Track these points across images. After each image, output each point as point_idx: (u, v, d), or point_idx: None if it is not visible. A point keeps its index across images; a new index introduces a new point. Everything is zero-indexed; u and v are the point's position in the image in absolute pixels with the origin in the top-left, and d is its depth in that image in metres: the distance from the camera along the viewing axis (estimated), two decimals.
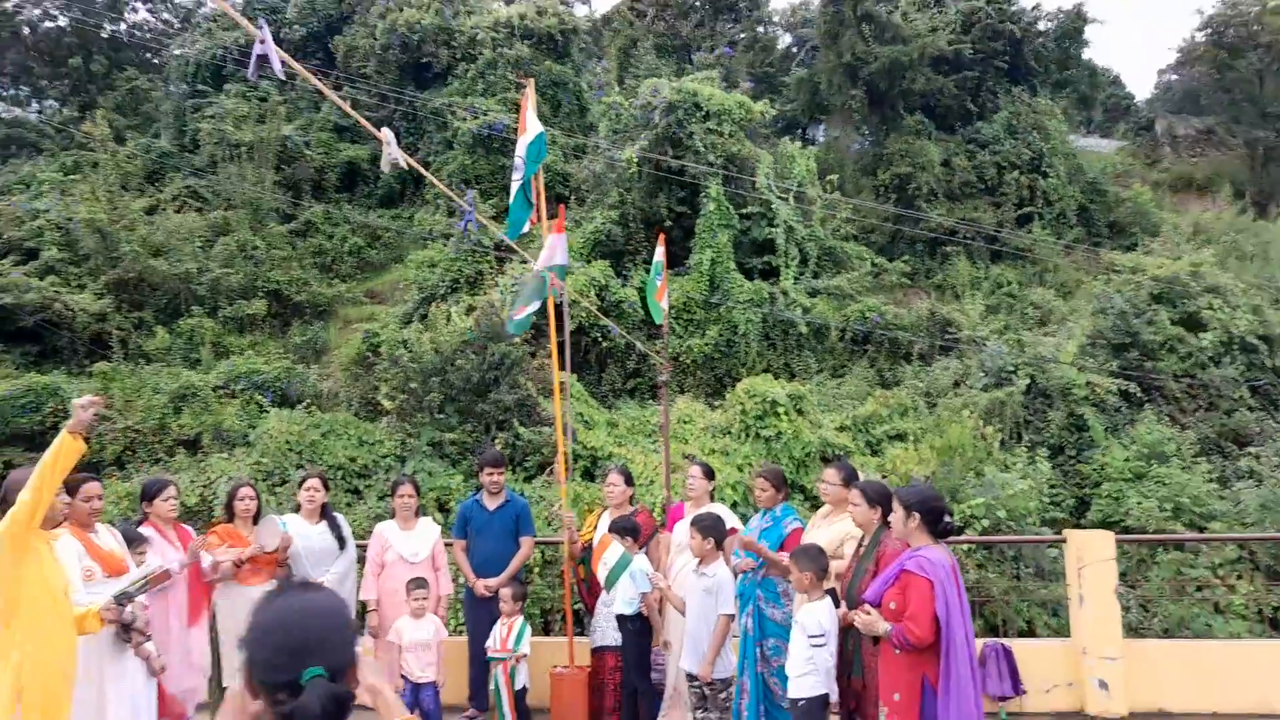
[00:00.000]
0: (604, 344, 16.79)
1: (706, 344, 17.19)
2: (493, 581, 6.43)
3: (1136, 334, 15.16)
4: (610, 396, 16.82)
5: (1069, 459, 14.30)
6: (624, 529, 5.86)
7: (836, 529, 5.20)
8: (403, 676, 5.93)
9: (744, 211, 18.46)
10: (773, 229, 18.16)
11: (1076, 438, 14.44)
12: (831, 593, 4.77)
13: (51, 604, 4.00)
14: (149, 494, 5.68)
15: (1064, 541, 6.98)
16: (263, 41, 3.28)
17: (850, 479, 5.28)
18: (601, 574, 5.73)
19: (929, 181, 21.23)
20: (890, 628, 4.07)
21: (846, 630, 4.66)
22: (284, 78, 3.54)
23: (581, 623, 7.52)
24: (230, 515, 6.00)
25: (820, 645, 4.55)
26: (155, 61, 30.36)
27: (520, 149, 6.44)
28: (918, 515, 4.20)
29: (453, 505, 13.27)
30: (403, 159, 4.14)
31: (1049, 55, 23.58)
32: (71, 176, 22.28)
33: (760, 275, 18.26)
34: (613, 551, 5.65)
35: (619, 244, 18.33)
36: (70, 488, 4.71)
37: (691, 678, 5.30)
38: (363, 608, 6.56)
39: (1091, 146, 26.31)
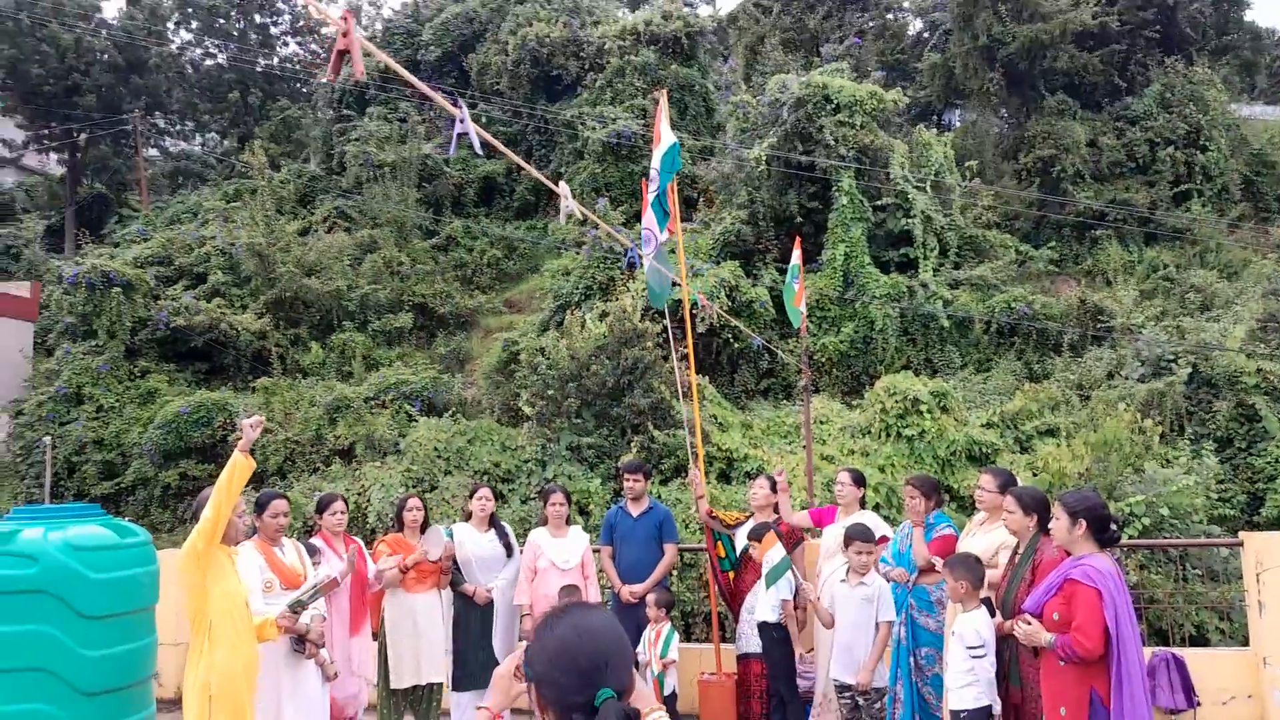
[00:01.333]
0: (735, 345, 16.73)
1: (842, 341, 16.88)
2: (638, 588, 6.52)
3: None
4: (743, 398, 16.74)
5: (1239, 452, 13.35)
6: (761, 534, 5.83)
7: (992, 537, 5.03)
8: None
9: (878, 204, 18.04)
10: (909, 220, 17.67)
11: (1247, 429, 13.46)
12: (987, 602, 4.62)
13: (234, 614, 4.29)
14: (320, 508, 6.03)
15: (1240, 544, 6.52)
16: (463, 120, 3.52)
17: (1007, 485, 5.09)
18: (764, 571, 5.73)
19: (1075, 163, 20.18)
20: (1053, 639, 3.93)
21: (1004, 640, 4.51)
22: (480, 153, 3.76)
23: (724, 627, 7.53)
24: (400, 525, 6.31)
25: (980, 656, 4.42)
26: (304, 91, 32.16)
27: (655, 160, 6.52)
28: (1084, 522, 4.05)
29: (592, 508, 13.51)
30: (578, 210, 4.29)
31: (1205, 21, 22.06)
32: (233, 204, 23.88)
33: (897, 269, 17.80)
34: (776, 552, 5.63)
35: (748, 244, 18.22)
36: (260, 505, 5.09)
37: (843, 688, 5.23)
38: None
39: (1257, 115, 24.43)
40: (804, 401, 8.65)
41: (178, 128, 33.12)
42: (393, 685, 5.97)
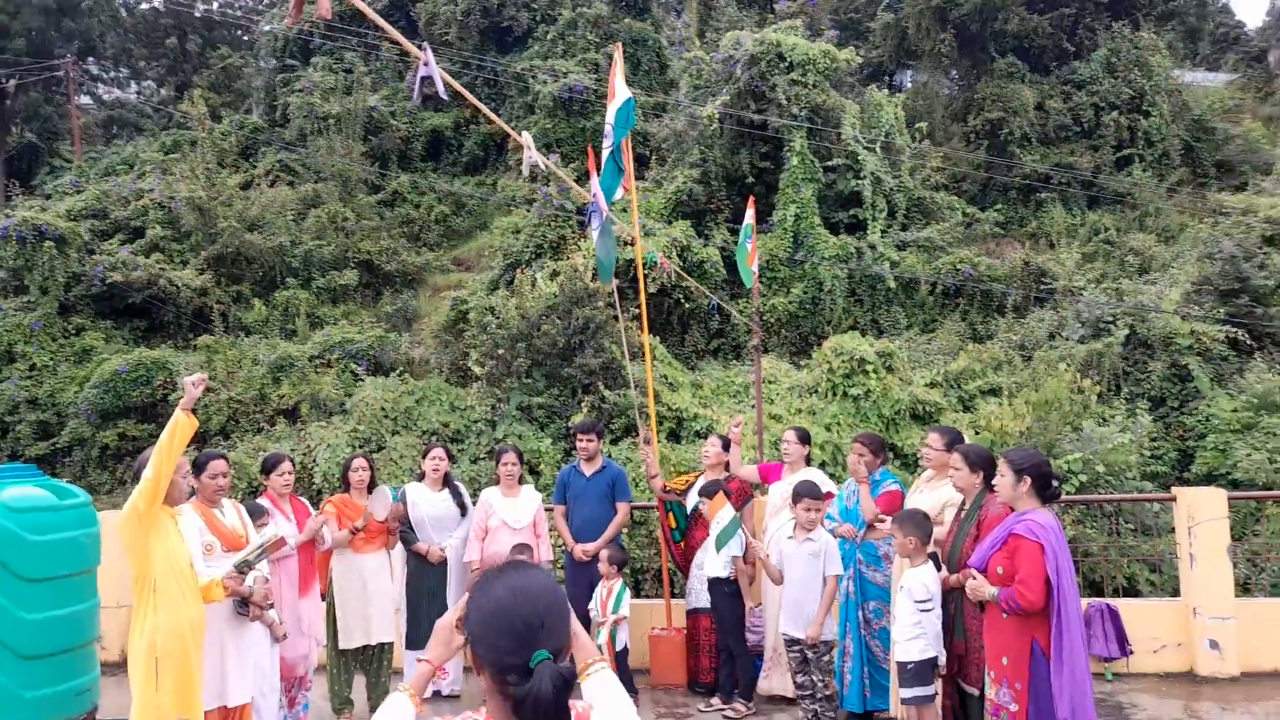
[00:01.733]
0: (686, 305, 16.75)
1: (791, 302, 17.00)
2: (590, 546, 6.56)
3: (1247, 279, 14.41)
4: (694, 358, 16.81)
5: (1171, 410, 13.77)
6: (712, 492, 5.89)
7: (938, 494, 5.15)
8: None
9: (829, 164, 18.08)
10: (859, 181, 17.76)
11: (1180, 389, 13.87)
12: (933, 556, 4.73)
13: (179, 576, 4.22)
14: (266, 468, 5.93)
15: (1173, 500, 6.74)
16: (426, 64, 3.44)
17: (954, 443, 5.19)
18: (713, 533, 5.79)
19: (1022, 126, 20.40)
20: (997, 592, 4.04)
21: (948, 594, 4.64)
22: (445, 96, 3.66)
23: (674, 584, 7.62)
24: (346, 486, 6.24)
25: (928, 610, 4.54)
26: (246, 39, 31.18)
27: (609, 115, 6.43)
28: (1028, 479, 4.14)
29: (543, 468, 13.52)
30: (541, 161, 4.19)
31: None
32: (171, 155, 23.16)
33: (846, 230, 17.91)
34: (725, 513, 5.71)
35: (700, 203, 18.19)
36: (198, 465, 5.01)
37: (792, 642, 5.32)
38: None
39: (1198, 81, 24.88)
40: (754, 361, 8.68)
41: (112, 75, 31.98)
42: (341, 645, 5.95)
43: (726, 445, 6.58)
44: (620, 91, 6.48)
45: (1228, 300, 14.38)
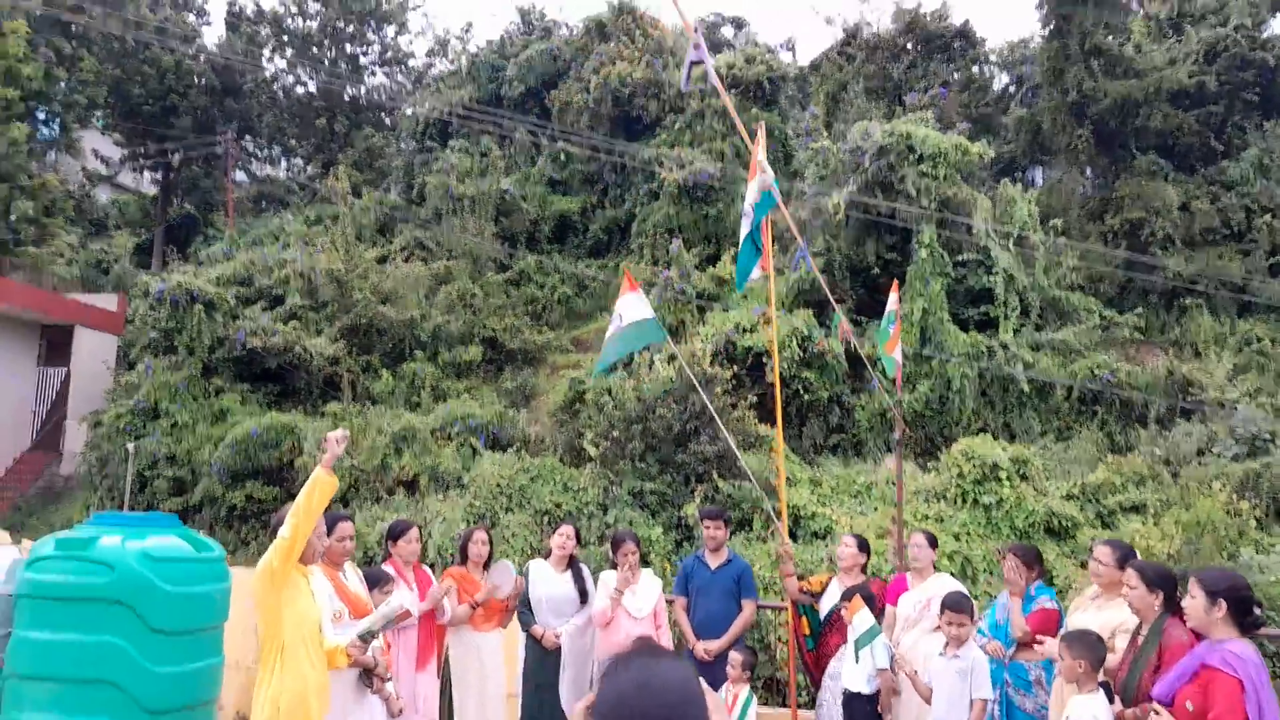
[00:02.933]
0: (805, 397, 16.42)
1: (918, 400, 16.46)
2: (714, 645, 6.26)
3: None
4: (811, 452, 16.39)
5: None
6: (862, 596, 5.57)
7: (1108, 615, 4.69)
8: None
9: (959, 259, 17.66)
10: (991, 277, 17.25)
11: None
12: (1103, 686, 4.29)
13: (309, 637, 4.17)
14: (394, 534, 5.90)
15: None
16: (697, 46, 3.52)
17: (1126, 558, 4.77)
18: (851, 639, 5.44)
19: (1165, 227, 19.55)
20: None
21: None
22: (712, 83, 3.76)
23: (801, 692, 7.21)
24: (464, 559, 6.16)
25: None
26: (387, 121, 32.87)
27: (750, 194, 6.36)
28: (1224, 603, 3.73)
29: (653, 557, 13.26)
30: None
31: None
32: (314, 228, 24.37)
33: (976, 327, 17.35)
34: (863, 618, 5.36)
35: (823, 293, 17.92)
36: (327, 526, 5.03)
37: None
38: None
39: None
40: (895, 456, 8.30)
41: (265, 152, 34.07)
42: None
43: (864, 546, 6.24)
44: (762, 171, 6.39)
45: None
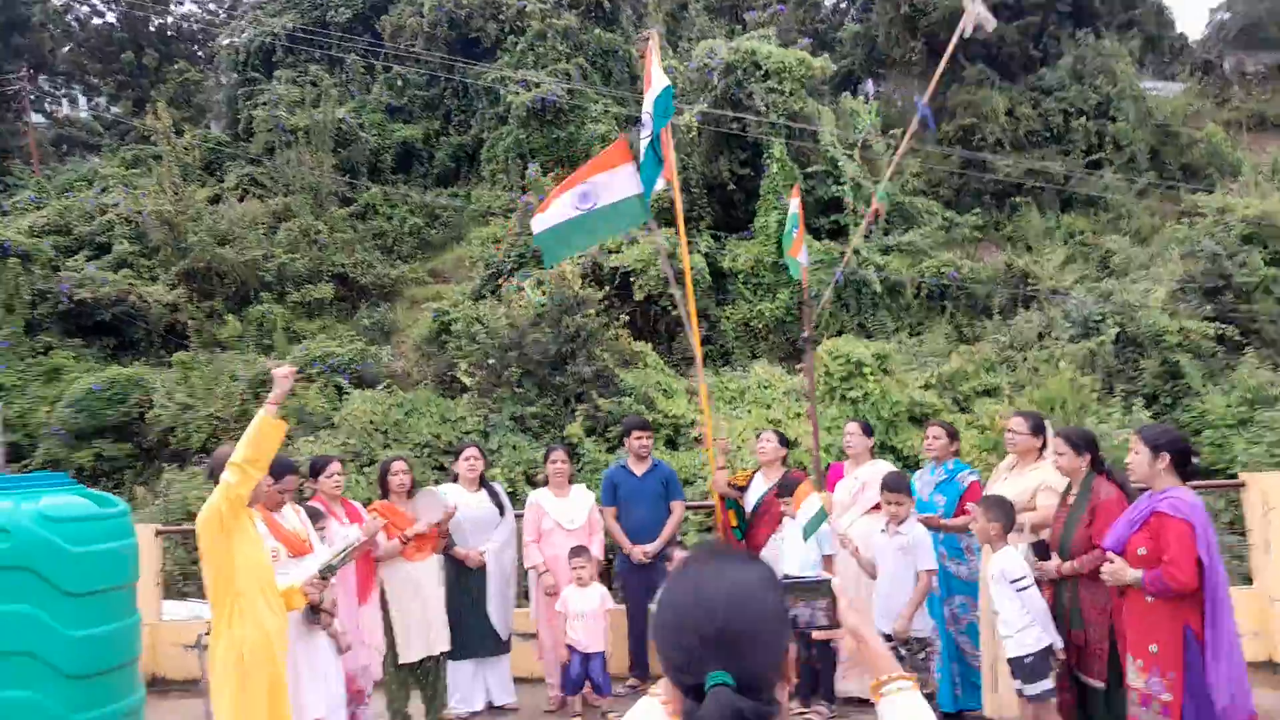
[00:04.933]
0: (674, 312, 16.61)
1: (778, 308, 16.93)
2: (650, 547, 6.32)
3: (1229, 276, 14.67)
4: (683, 365, 16.66)
5: (1165, 408, 13.89)
6: (791, 488, 5.71)
7: (1025, 480, 5.00)
8: (569, 646, 5.85)
9: (808, 170, 18.10)
10: (840, 187, 17.81)
11: (1171, 386, 14.03)
12: (1040, 545, 4.58)
13: (264, 583, 3.95)
14: (314, 470, 5.64)
15: (1243, 485, 6.66)
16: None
17: (1038, 428, 5.08)
18: (799, 523, 5.55)
19: (994, 131, 20.66)
20: (1139, 574, 3.87)
21: (1062, 582, 4.47)
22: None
23: None
24: (385, 492, 5.95)
25: (1026, 587, 4.33)
26: (201, 54, 30.55)
27: (647, 104, 6.26)
28: (1167, 455, 3.94)
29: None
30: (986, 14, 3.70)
31: None
32: (132, 170, 22.56)
33: (828, 235, 17.92)
34: (813, 502, 5.47)
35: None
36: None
37: (884, 638, 5.13)
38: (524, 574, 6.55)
39: (1155, 89, 25.45)
40: (808, 354, 8.49)
41: (63, 91, 31.10)
42: (401, 659, 5.64)
43: (784, 441, 6.40)
44: (658, 80, 6.28)
45: (1212, 298, 14.62)
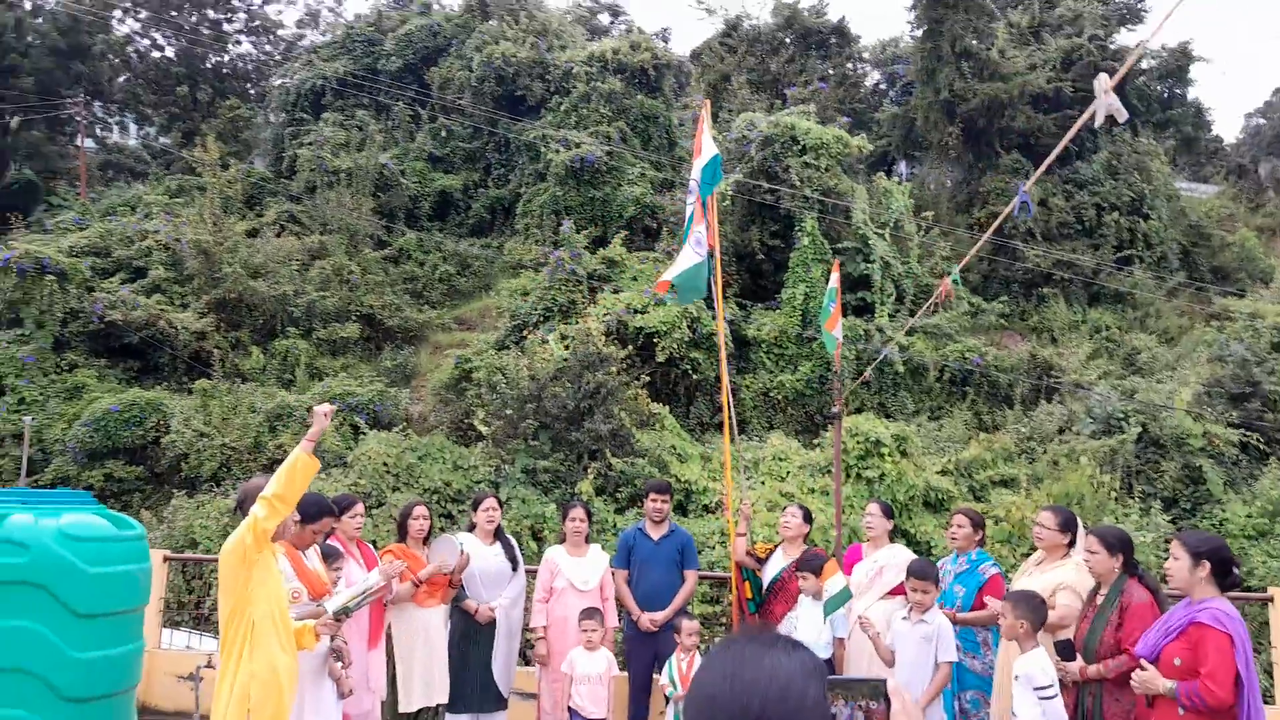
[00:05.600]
0: (694, 376, 16.64)
1: (799, 380, 16.92)
2: (659, 616, 6.20)
3: (1258, 384, 14.53)
4: (698, 430, 16.63)
5: (1184, 513, 13.68)
6: (812, 566, 5.64)
7: (1050, 577, 4.90)
8: (570, 709, 5.75)
9: (838, 247, 18.21)
10: (869, 264, 17.89)
11: (1192, 490, 13.82)
12: (1065, 645, 4.47)
13: (278, 618, 3.92)
14: (340, 508, 5.61)
15: (1271, 600, 6.51)
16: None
17: (1068, 525, 5.00)
18: (824, 599, 5.48)
19: (1026, 221, 20.74)
20: (1173, 685, 3.78)
21: (1084, 685, 4.37)
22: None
23: None
24: (402, 535, 5.92)
25: (1051, 697, 4.23)
26: (253, 92, 31.37)
27: (695, 171, 6.37)
28: (1207, 564, 3.89)
29: (546, 534, 13.17)
30: (1117, 105, 3.75)
31: (1152, 94, 23.01)
32: (175, 199, 23.02)
33: (854, 312, 17.95)
34: (837, 581, 5.42)
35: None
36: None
37: None
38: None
39: (1189, 190, 25.55)
40: (835, 429, 8.45)
41: (116, 119, 31.94)
42: (402, 708, 5.55)
43: (808, 517, 6.33)
44: (707, 148, 6.42)
45: (1239, 404, 14.46)
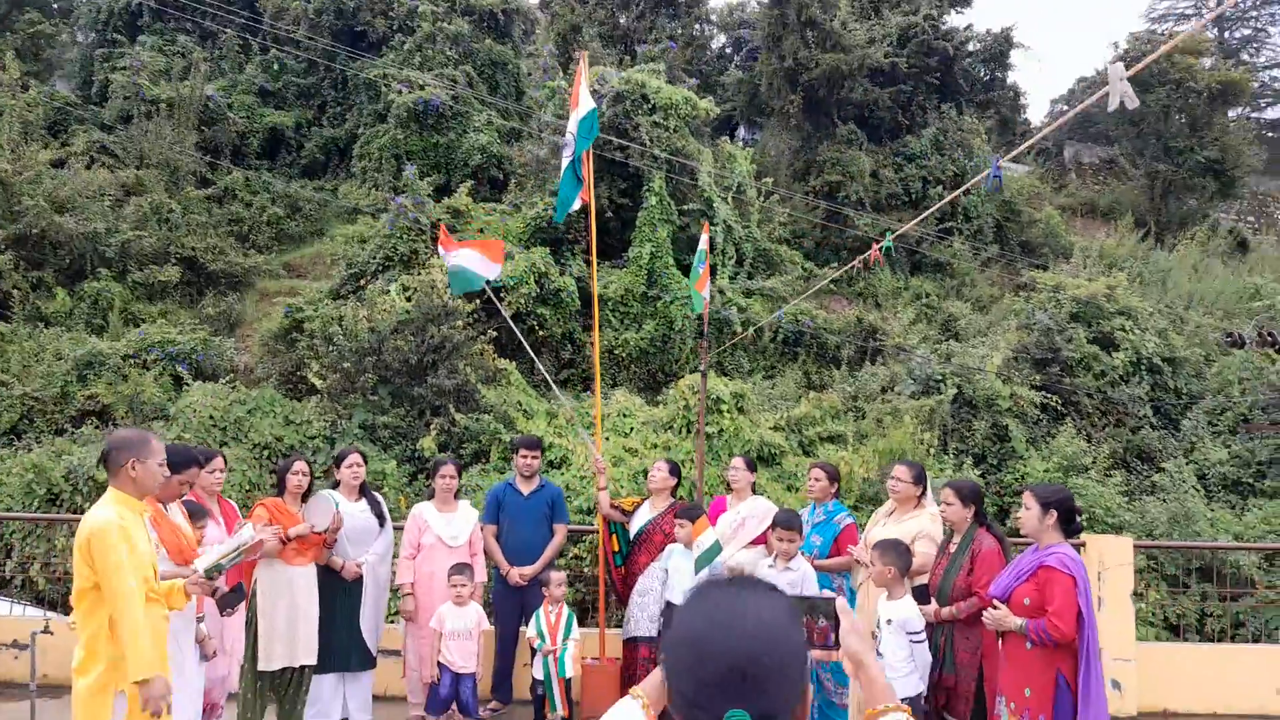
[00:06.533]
0: (540, 332, 16.58)
1: (642, 338, 17.15)
2: (528, 570, 6.26)
3: (1058, 350, 15.83)
4: (543, 386, 16.61)
5: (991, 468, 14.82)
6: (690, 514, 5.81)
7: (907, 526, 5.24)
8: (440, 665, 5.71)
9: (684, 208, 18.48)
10: (712, 227, 18.22)
11: (999, 447, 14.98)
12: (920, 590, 4.81)
13: (148, 584, 3.67)
14: (199, 463, 5.27)
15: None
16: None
17: (920, 478, 5.33)
18: (694, 554, 5.62)
19: (858, 190, 21.68)
20: (1023, 623, 4.15)
21: (935, 626, 4.72)
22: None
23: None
24: (280, 490, 5.67)
25: (920, 642, 4.57)
26: (56, 6, 28.50)
27: (572, 124, 6.32)
28: (1054, 512, 4.28)
29: (386, 491, 12.89)
30: (1130, 92, 3.64)
31: (976, 76, 24.37)
32: None
33: None
34: (708, 536, 5.59)
35: (559, 231, 18.10)
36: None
37: None
38: (395, 591, 6.36)
39: (1009, 170, 27.34)
40: (701, 381, 8.69)
41: None
42: (261, 667, 5.34)
43: (675, 471, 6.50)
44: (584, 101, 6.37)
45: (1041, 368, 15.74)
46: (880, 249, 6.91)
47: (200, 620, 4.45)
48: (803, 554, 5.54)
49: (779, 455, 14.21)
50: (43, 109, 21.05)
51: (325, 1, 22.31)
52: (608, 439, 14.13)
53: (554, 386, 8.77)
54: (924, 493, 5.37)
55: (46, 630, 5.24)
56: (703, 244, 8.14)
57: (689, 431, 13.94)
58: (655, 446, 13.53)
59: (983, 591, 4.55)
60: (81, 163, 19.18)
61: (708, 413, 13.94)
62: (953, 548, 4.90)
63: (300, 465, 5.76)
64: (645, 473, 9.88)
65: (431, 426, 13.67)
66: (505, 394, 14.24)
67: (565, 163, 6.39)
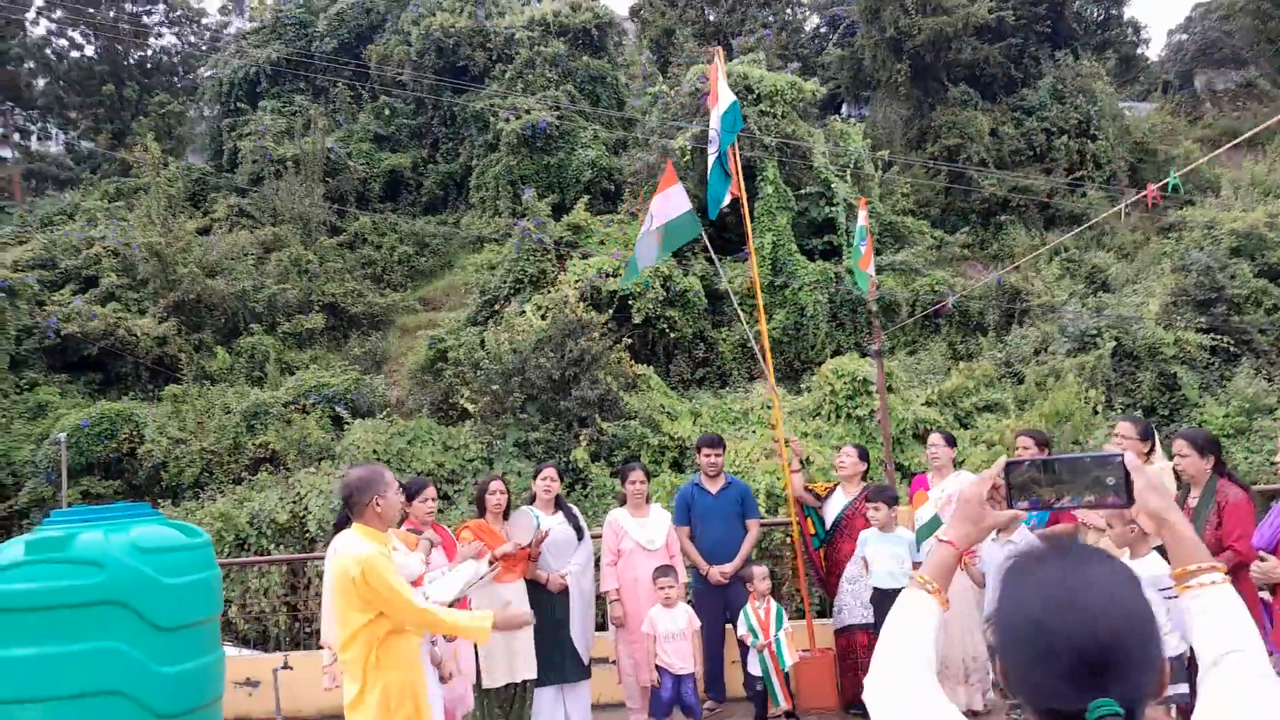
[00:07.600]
0: (671, 335, 16.63)
1: (774, 329, 16.95)
2: (728, 567, 6.21)
3: (1221, 288, 14.90)
4: (680, 387, 16.64)
5: (1163, 419, 14.02)
6: (885, 497, 5.72)
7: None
8: (659, 668, 5.74)
9: (801, 192, 18.23)
10: (832, 208, 17.93)
11: (1169, 398, 14.19)
12: (1159, 550, 4.58)
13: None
14: (409, 494, 5.48)
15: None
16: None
17: (1148, 433, 5.05)
18: (915, 528, 5.57)
19: (978, 151, 20.93)
20: None
21: None
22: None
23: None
24: (481, 511, 5.85)
25: (1174, 597, 4.33)
26: (180, 85, 30.37)
27: (714, 121, 6.32)
28: (1213, 456, 4.26)
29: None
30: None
31: (1089, 17, 23.25)
32: (114, 204, 22.32)
33: (822, 256, 18.02)
34: (927, 510, 5.51)
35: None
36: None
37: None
38: (601, 600, 6.43)
39: (1131, 108, 25.93)
40: (878, 362, 8.59)
41: (39, 125, 30.77)
42: (485, 685, 5.49)
43: (864, 455, 6.39)
44: (724, 96, 6.37)
45: (1205, 310, 14.83)
46: (1168, 184, 6.68)
47: (434, 644, 4.56)
48: (1024, 526, 5.34)
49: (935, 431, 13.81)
50: (182, 182, 22.48)
51: (425, 42, 23.00)
52: (755, 433, 14.05)
53: (769, 376, 8.66)
54: (1152, 449, 5.05)
55: (286, 666, 5.49)
56: (861, 220, 7.99)
57: (838, 417, 13.72)
58: (805, 435, 13.35)
59: (1236, 545, 4.24)
60: (223, 227, 20.33)
61: (853, 395, 13.70)
62: (1193, 502, 4.56)
63: (497, 484, 5.88)
64: (804, 463, 9.74)
65: (581, 437, 13.86)
66: (647, 399, 14.33)
67: (711, 159, 6.35)
